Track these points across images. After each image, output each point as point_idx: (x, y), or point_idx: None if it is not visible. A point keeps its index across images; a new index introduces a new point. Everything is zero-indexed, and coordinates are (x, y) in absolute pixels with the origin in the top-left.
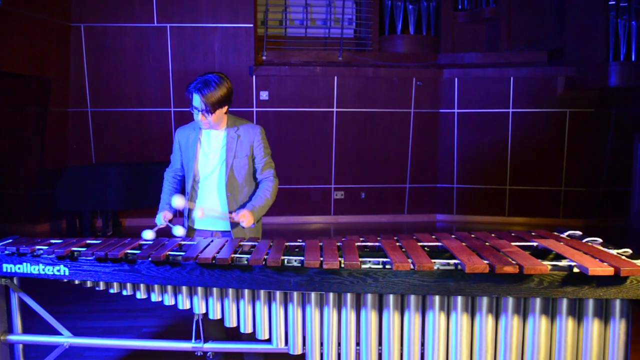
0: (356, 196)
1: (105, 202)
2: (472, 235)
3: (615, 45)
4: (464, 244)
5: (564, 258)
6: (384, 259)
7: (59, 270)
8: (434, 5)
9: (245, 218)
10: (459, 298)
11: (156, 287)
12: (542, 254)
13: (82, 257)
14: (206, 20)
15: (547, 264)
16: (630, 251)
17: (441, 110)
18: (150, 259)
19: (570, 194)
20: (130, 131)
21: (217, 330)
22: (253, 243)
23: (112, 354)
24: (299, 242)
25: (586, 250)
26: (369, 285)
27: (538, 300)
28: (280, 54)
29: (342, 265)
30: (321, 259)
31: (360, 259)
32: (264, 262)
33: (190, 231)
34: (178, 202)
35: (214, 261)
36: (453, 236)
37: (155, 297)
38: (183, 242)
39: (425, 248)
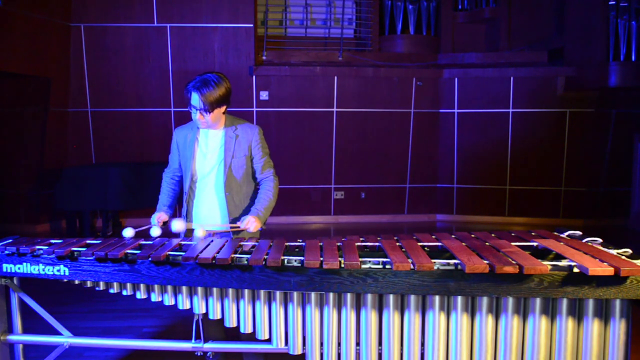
0: (356, 196)
1: (105, 202)
2: (472, 235)
3: (615, 45)
4: (464, 244)
5: (564, 258)
6: (384, 259)
7: (59, 270)
8: (434, 5)
9: (252, 224)
10: (459, 298)
11: (156, 287)
12: (542, 254)
13: (82, 257)
14: (206, 20)
15: (547, 264)
16: (630, 251)
17: (441, 110)
18: (150, 259)
19: (570, 194)
20: (130, 131)
21: (217, 330)
22: (253, 243)
23: (112, 354)
24: (299, 242)
25: (586, 250)
26: (369, 285)
27: (538, 300)
28: (280, 54)
29: (342, 265)
30: (321, 259)
31: (360, 259)
32: (264, 262)
33: (189, 232)
34: (178, 225)
35: (214, 261)
36: (453, 236)
37: (155, 297)
38: (183, 242)
39: (425, 248)
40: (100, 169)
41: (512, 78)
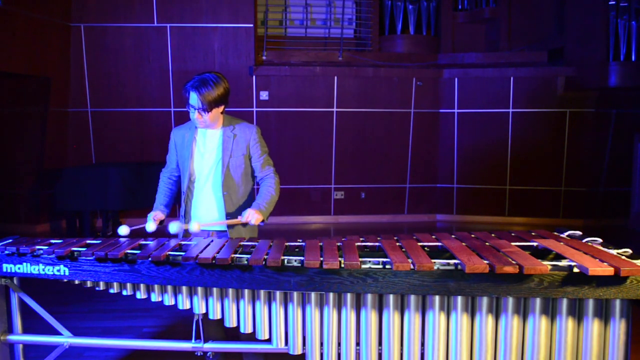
0: (356, 196)
1: (105, 202)
2: (472, 235)
3: (615, 45)
4: (464, 244)
5: (564, 258)
6: (384, 259)
7: (59, 270)
8: (434, 5)
9: (253, 216)
10: (459, 298)
11: (156, 287)
12: (542, 254)
13: (82, 257)
14: (206, 20)
15: (547, 264)
16: (630, 251)
17: (441, 110)
18: (150, 259)
19: (570, 194)
20: (130, 131)
21: (217, 330)
22: (253, 243)
23: (112, 354)
24: (299, 242)
25: (586, 250)
26: (369, 285)
27: (538, 300)
28: (280, 54)
29: (342, 265)
30: (321, 259)
31: (360, 259)
32: (264, 262)
33: (188, 233)
34: (175, 228)
35: (214, 261)
36: (453, 236)
37: (155, 297)
38: (183, 242)
39: (425, 248)
40: (100, 169)
41: (512, 78)
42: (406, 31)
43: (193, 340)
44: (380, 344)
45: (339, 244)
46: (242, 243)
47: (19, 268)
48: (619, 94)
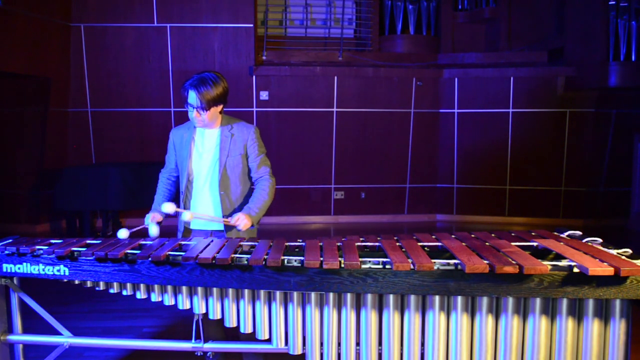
0: (356, 196)
1: (105, 202)
2: (472, 235)
3: (615, 45)
4: (464, 244)
5: (564, 258)
6: (384, 259)
7: (59, 270)
8: (434, 5)
9: (242, 221)
10: (459, 298)
11: (156, 287)
12: (542, 254)
13: (82, 257)
14: (206, 20)
15: (547, 264)
16: (630, 251)
17: (441, 110)
18: (150, 259)
19: (570, 194)
20: (130, 131)
21: (217, 330)
22: (253, 243)
23: (112, 354)
24: (299, 242)
25: (586, 250)
26: (369, 285)
27: (538, 300)
28: (280, 54)
29: (342, 265)
30: (321, 259)
31: (360, 259)
32: (264, 262)
33: (187, 232)
34: (168, 208)
35: (214, 261)
36: (453, 236)
37: (155, 297)
38: (183, 242)
39: (425, 248)
40: (100, 169)
41: (512, 78)
42: (406, 31)
43: (193, 340)
44: (380, 344)
45: (339, 244)
46: (242, 243)
47: (19, 268)
48: (619, 94)
